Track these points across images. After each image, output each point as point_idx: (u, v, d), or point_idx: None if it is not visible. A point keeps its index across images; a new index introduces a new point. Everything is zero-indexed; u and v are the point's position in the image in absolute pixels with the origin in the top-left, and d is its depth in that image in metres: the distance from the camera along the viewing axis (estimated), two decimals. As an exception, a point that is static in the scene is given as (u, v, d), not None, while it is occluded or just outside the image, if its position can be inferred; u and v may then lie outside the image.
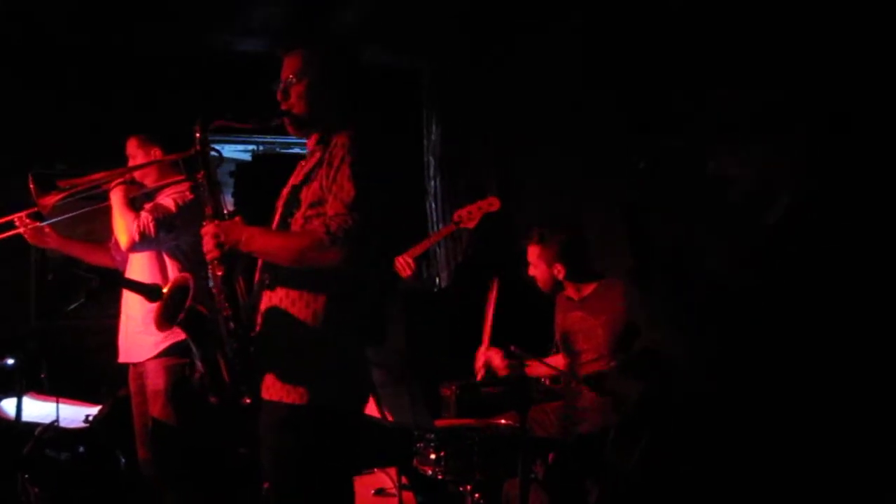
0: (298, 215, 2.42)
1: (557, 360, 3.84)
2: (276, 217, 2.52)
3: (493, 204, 3.78)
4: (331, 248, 2.25)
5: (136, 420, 3.69)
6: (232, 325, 2.36)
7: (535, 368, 3.85)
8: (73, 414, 3.62)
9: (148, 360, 3.58)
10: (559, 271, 3.67)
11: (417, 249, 3.85)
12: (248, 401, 2.37)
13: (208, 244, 2.35)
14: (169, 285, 2.52)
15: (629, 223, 3.68)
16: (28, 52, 4.94)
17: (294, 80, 2.47)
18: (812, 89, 2.79)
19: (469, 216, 3.80)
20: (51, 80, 4.97)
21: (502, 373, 3.72)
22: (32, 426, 3.38)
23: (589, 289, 3.66)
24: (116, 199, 3.57)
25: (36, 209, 3.56)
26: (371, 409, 3.19)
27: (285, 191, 2.57)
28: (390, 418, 3.29)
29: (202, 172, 2.44)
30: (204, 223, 2.40)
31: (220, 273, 2.37)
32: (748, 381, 2.62)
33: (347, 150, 2.34)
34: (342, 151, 2.34)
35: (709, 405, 2.64)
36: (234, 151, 5.69)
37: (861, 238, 2.60)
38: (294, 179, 2.53)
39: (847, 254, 2.60)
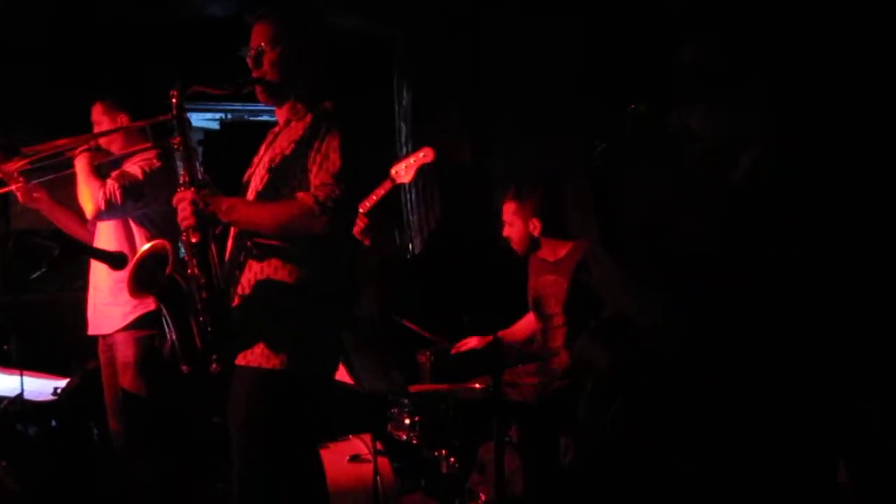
0: (275, 184, 2.42)
1: (529, 322, 3.85)
2: (252, 186, 2.50)
3: (426, 155, 3.71)
4: (320, 217, 2.28)
5: (107, 392, 3.64)
6: (205, 293, 2.36)
7: (510, 336, 3.88)
8: (41, 387, 3.56)
9: (117, 331, 3.52)
10: (535, 227, 3.65)
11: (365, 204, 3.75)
12: (217, 368, 2.37)
13: (185, 210, 2.33)
14: (142, 251, 2.49)
15: (594, 191, 3.66)
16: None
17: (267, 47, 2.46)
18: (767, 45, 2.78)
19: (405, 170, 3.74)
20: (11, 46, 4.82)
21: (478, 347, 3.75)
22: (-3, 400, 3.33)
23: (564, 250, 3.65)
24: (81, 166, 3.48)
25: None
26: (343, 375, 3.17)
27: (257, 159, 2.57)
28: (364, 384, 3.28)
29: (178, 138, 2.41)
30: (179, 190, 2.38)
31: (194, 240, 2.36)
32: (716, 344, 2.63)
33: (332, 121, 2.38)
34: (325, 123, 2.37)
35: (678, 368, 2.64)
36: (201, 120, 5.58)
37: (827, 198, 2.60)
38: (267, 149, 2.54)
39: (815, 214, 2.60)
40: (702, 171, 2.81)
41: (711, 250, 2.68)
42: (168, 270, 2.32)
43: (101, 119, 3.65)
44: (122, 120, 3.61)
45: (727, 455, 2.51)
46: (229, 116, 5.64)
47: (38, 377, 3.59)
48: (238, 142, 5.27)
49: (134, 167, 3.54)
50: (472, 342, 3.79)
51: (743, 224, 2.61)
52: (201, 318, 2.36)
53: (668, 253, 2.85)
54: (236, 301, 2.42)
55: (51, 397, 3.55)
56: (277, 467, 2.37)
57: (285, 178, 2.41)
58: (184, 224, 2.35)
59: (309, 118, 2.44)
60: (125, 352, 3.51)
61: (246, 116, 5.66)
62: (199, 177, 2.41)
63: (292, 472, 2.41)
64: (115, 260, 2.87)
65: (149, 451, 3.57)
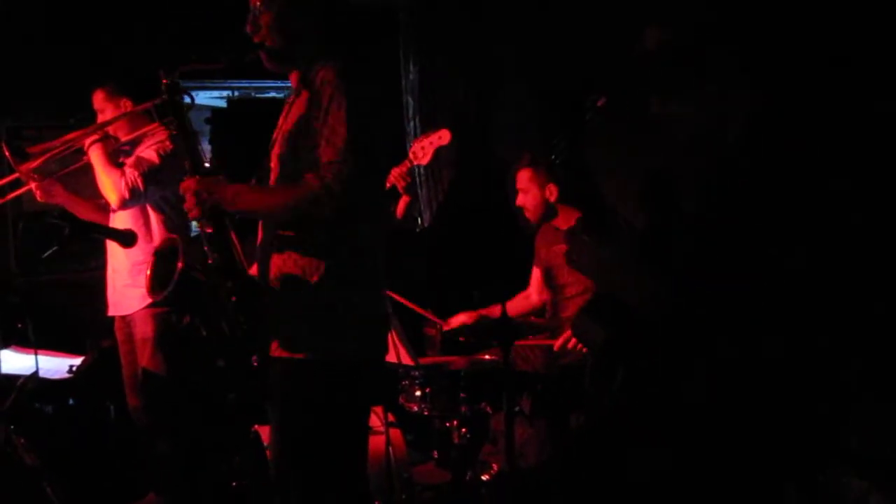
0: (292, 160, 2.29)
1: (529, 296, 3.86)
2: (273, 164, 2.36)
3: (443, 137, 3.68)
4: (328, 201, 2.15)
5: (125, 369, 3.69)
6: (230, 283, 2.25)
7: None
8: (57, 365, 3.61)
9: (136, 311, 3.57)
10: (552, 192, 3.63)
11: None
12: (257, 363, 2.28)
13: (189, 202, 2.23)
14: (155, 251, 2.43)
15: (575, 172, 3.64)
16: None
17: (261, 8, 2.31)
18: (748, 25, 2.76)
19: (423, 152, 3.73)
20: (11, 25, 4.81)
21: (469, 323, 3.75)
22: (14, 379, 3.37)
23: (574, 217, 3.64)
24: (97, 157, 3.49)
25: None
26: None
27: (276, 134, 2.42)
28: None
29: (175, 123, 2.32)
30: (185, 178, 2.27)
31: (209, 231, 2.25)
32: (707, 319, 2.62)
33: (335, 87, 2.19)
34: (329, 89, 2.19)
35: (674, 341, 2.64)
36: (208, 98, 5.58)
37: (813, 170, 2.58)
38: (283, 122, 2.38)
39: (799, 188, 2.59)
40: (693, 148, 2.79)
41: (705, 220, 2.67)
42: (179, 266, 2.22)
43: (104, 106, 3.64)
44: (126, 105, 3.59)
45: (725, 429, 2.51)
46: (236, 94, 5.64)
47: (54, 356, 3.65)
48: (246, 119, 5.27)
49: (149, 151, 3.55)
50: (461, 318, 3.78)
51: (736, 194, 2.60)
52: (231, 310, 2.24)
53: (657, 229, 2.85)
54: (268, 289, 2.30)
55: (66, 375, 3.59)
56: (320, 462, 2.27)
57: (299, 152, 2.26)
58: (191, 215, 2.25)
59: (314, 84, 2.25)
60: (143, 328, 3.56)
61: (253, 93, 5.66)
62: (203, 162, 2.30)
63: (337, 467, 2.30)
64: (124, 238, 2.89)
65: (168, 427, 3.63)
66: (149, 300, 3.46)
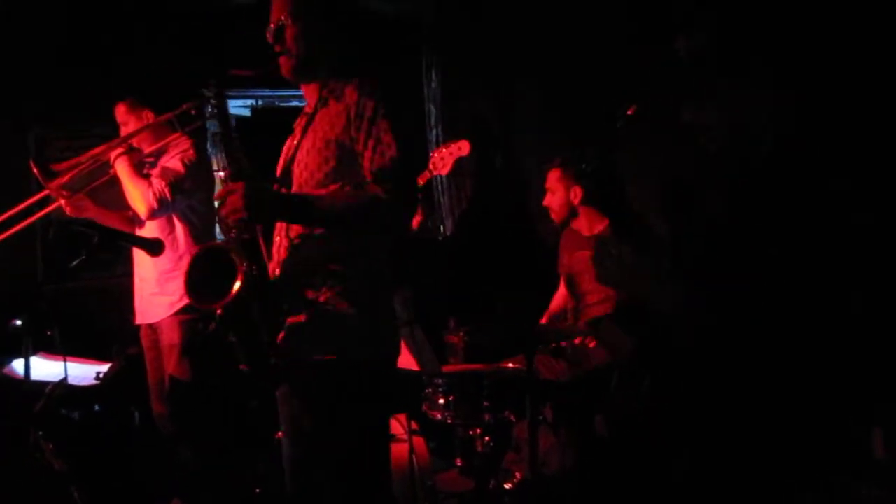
0: (322, 170, 2.28)
1: (560, 298, 3.87)
2: (295, 173, 2.35)
3: (462, 148, 3.72)
4: (393, 208, 2.19)
5: (151, 375, 3.73)
6: (263, 289, 2.24)
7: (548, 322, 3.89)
8: (84, 372, 3.65)
9: (163, 318, 3.61)
10: (576, 194, 3.67)
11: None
12: (276, 364, 2.26)
13: (236, 204, 2.14)
14: (194, 256, 2.34)
15: (604, 178, 3.66)
16: (5, 7, 4.82)
17: (288, 20, 2.31)
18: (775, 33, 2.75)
19: (443, 162, 3.75)
20: (35, 37, 4.88)
21: None
22: (42, 385, 3.41)
23: (601, 226, 3.64)
24: (123, 169, 3.54)
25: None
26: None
27: (291, 144, 2.42)
28: (399, 364, 3.31)
29: (220, 129, 2.29)
30: (225, 182, 2.25)
31: (247, 237, 2.23)
32: (734, 326, 2.61)
33: (378, 100, 2.22)
34: (373, 102, 2.22)
35: (701, 349, 2.63)
36: (232, 107, 5.63)
37: (840, 186, 2.57)
38: (304, 132, 2.36)
39: (826, 201, 2.57)
40: (724, 156, 2.79)
41: (733, 228, 2.66)
42: (239, 282, 2.15)
43: (126, 119, 3.70)
44: (148, 116, 3.66)
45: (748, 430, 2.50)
46: (260, 103, 5.68)
47: (81, 362, 3.68)
48: (270, 128, 5.28)
49: (174, 161, 3.59)
50: None
51: (765, 202, 2.59)
52: (258, 317, 2.23)
53: (686, 235, 2.84)
54: (288, 294, 2.30)
55: (93, 382, 3.63)
56: (350, 464, 2.28)
57: (332, 165, 2.27)
58: (233, 217, 2.17)
59: (352, 96, 2.25)
60: (171, 335, 3.60)
61: (276, 102, 5.70)
62: (249, 167, 2.26)
63: (366, 470, 2.31)
64: (151, 246, 2.92)
65: (193, 434, 3.65)
66: (177, 307, 3.55)
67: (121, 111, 3.71)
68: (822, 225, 2.50)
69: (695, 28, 2.94)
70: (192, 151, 3.61)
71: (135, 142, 3.69)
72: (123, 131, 3.70)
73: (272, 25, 2.35)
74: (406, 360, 3.36)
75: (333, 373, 2.26)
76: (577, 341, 3.53)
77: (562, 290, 3.93)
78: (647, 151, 3.10)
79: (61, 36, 4.90)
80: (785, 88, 2.65)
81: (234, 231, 2.23)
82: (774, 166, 2.60)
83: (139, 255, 3.65)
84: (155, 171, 3.59)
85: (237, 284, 2.17)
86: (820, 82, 2.58)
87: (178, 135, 3.68)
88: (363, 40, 2.48)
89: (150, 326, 3.69)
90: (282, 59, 2.35)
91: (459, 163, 3.88)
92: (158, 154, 3.69)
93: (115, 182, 3.60)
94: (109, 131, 3.84)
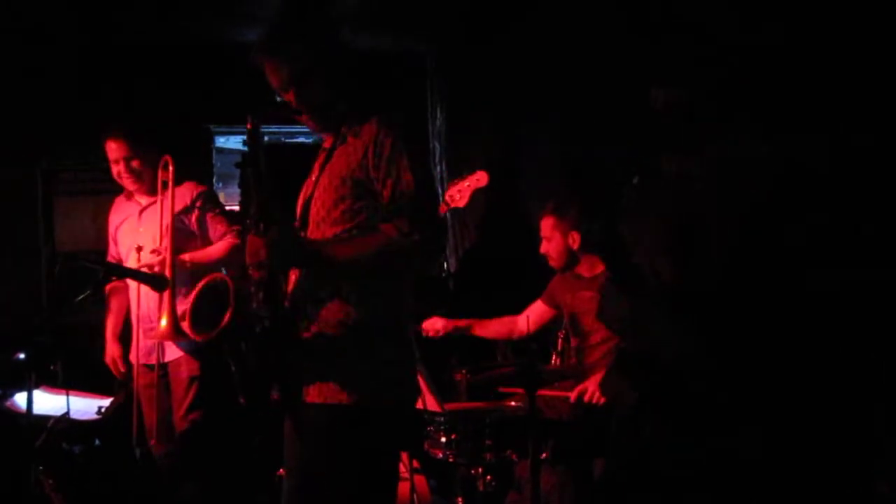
0: (339, 208, 2.28)
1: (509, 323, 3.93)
2: (313, 211, 2.34)
3: (480, 179, 3.69)
4: (414, 247, 2.18)
5: (152, 414, 3.66)
6: (268, 327, 2.23)
7: (483, 329, 3.96)
8: (86, 406, 3.63)
9: (182, 355, 3.61)
10: (574, 240, 3.64)
11: None
12: (276, 397, 2.27)
13: (260, 255, 2.17)
14: (198, 288, 2.40)
15: (601, 231, 3.67)
16: (14, 43, 4.88)
17: (289, 88, 2.31)
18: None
19: (460, 194, 3.74)
20: (40, 73, 4.93)
21: (443, 333, 3.90)
22: (44, 419, 3.41)
23: (601, 266, 3.64)
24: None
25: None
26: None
27: (311, 181, 2.41)
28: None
29: (252, 170, 2.25)
30: (252, 227, 2.21)
31: (257, 276, 2.23)
32: (738, 370, 2.61)
33: (396, 137, 2.22)
34: (390, 139, 2.22)
35: (702, 395, 2.63)
36: (238, 142, 5.69)
37: (825, 234, 2.58)
38: (322, 170, 2.36)
39: (813, 250, 2.59)
40: (714, 206, 2.80)
41: (731, 276, 2.67)
42: (230, 311, 2.21)
43: (119, 155, 3.62)
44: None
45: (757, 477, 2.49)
46: (267, 139, 5.73)
47: (83, 396, 3.68)
48: (275, 163, 5.33)
49: (206, 204, 3.65)
50: (438, 324, 3.89)
51: (761, 249, 2.60)
52: (263, 353, 2.24)
53: (686, 283, 2.85)
54: (303, 334, 2.29)
55: (95, 416, 3.62)
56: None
57: (349, 202, 2.27)
58: (252, 260, 2.20)
59: (370, 132, 2.26)
60: (190, 370, 3.59)
61: (283, 138, 5.75)
62: (273, 210, 2.22)
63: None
64: (156, 282, 2.94)
65: (200, 472, 3.62)
66: (196, 343, 3.48)
67: (117, 148, 3.62)
68: (824, 275, 2.51)
69: (674, 81, 2.98)
70: (204, 187, 3.65)
71: (134, 189, 3.69)
72: (117, 168, 3.65)
73: (280, 94, 2.35)
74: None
75: (345, 415, 2.23)
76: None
77: (521, 317, 3.92)
78: (641, 197, 3.12)
79: (70, 69, 4.98)
80: (773, 142, 2.68)
81: (250, 269, 2.24)
82: (774, 215, 2.62)
83: (144, 295, 3.58)
84: (215, 227, 3.63)
85: (225, 320, 2.20)
86: (809, 135, 2.61)
87: (192, 184, 3.71)
88: (366, 78, 2.50)
89: (152, 366, 3.64)
90: (303, 119, 2.36)
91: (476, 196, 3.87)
92: (188, 211, 3.68)
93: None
94: None
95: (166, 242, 3.41)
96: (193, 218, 3.66)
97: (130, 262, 3.59)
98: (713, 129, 2.81)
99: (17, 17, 4.65)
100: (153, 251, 3.51)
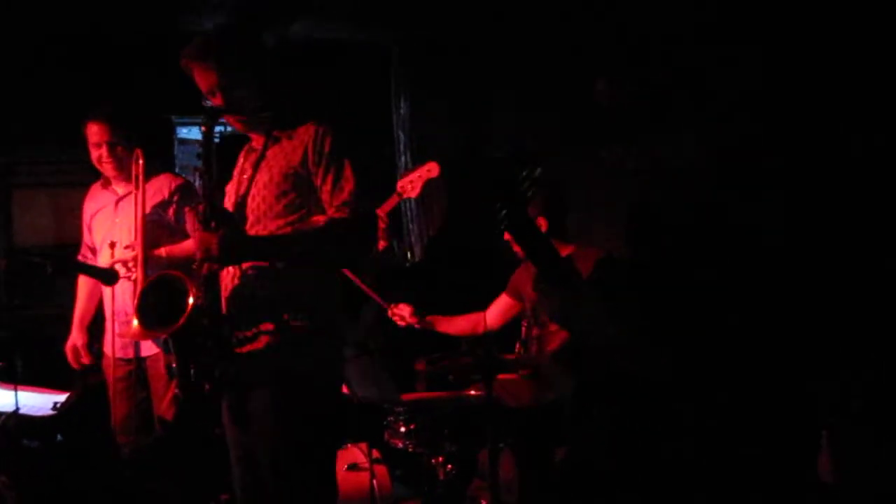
0: (280, 204, 2.42)
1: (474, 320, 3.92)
2: (250, 206, 2.47)
3: (431, 170, 3.72)
4: (355, 237, 2.38)
5: (121, 407, 3.59)
6: (207, 321, 2.35)
7: (447, 325, 3.96)
8: (41, 402, 3.58)
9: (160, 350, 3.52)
10: (541, 225, 3.63)
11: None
12: (209, 388, 2.38)
13: (212, 250, 2.31)
14: (147, 282, 2.47)
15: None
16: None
17: (216, 90, 2.43)
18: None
19: (411, 185, 3.75)
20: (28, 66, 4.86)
21: (408, 322, 3.91)
22: (-7, 416, 3.36)
23: (565, 252, 3.63)
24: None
25: None
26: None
27: (240, 176, 2.56)
28: (357, 393, 3.30)
29: (205, 168, 2.40)
30: (199, 226, 2.34)
31: (205, 271, 2.36)
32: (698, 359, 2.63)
33: (335, 136, 2.41)
34: (330, 138, 2.40)
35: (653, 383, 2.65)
36: (200, 133, 5.62)
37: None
38: (256, 166, 2.49)
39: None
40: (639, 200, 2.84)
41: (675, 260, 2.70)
42: (189, 308, 2.28)
43: (101, 139, 3.54)
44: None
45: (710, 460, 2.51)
46: (229, 129, 5.66)
47: (37, 392, 3.62)
48: (237, 153, 5.29)
49: (189, 198, 3.53)
50: (405, 311, 3.90)
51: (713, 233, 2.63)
52: (204, 344, 2.35)
53: (647, 265, 2.86)
54: (239, 323, 2.43)
55: (50, 412, 3.57)
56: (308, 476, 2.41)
57: (291, 197, 2.42)
58: (204, 258, 2.34)
59: (308, 132, 2.43)
60: (169, 360, 3.49)
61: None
62: (222, 210, 2.38)
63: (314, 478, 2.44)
64: (106, 276, 2.90)
65: (165, 466, 3.58)
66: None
67: (100, 131, 3.54)
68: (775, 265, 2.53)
69: (617, 74, 3.00)
70: (182, 179, 3.59)
71: (112, 178, 3.60)
72: (98, 152, 3.56)
73: (207, 97, 2.46)
74: (366, 388, 3.35)
75: (282, 393, 2.37)
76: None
77: (488, 312, 3.91)
78: (588, 181, 3.14)
79: (28, 61, 4.90)
80: (707, 136, 2.72)
81: (196, 264, 2.37)
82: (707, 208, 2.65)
83: (119, 291, 3.49)
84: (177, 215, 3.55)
85: (185, 315, 2.27)
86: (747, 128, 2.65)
87: (170, 176, 3.65)
88: (331, 72, 2.60)
89: (133, 360, 3.56)
90: (229, 119, 2.49)
91: (428, 187, 3.87)
92: (166, 205, 3.61)
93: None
94: (82, 157, 3.74)
95: (138, 239, 3.36)
96: (171, 211, 3.60)
97: (104, 257, 3.52)
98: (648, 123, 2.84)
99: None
100: (127, 247, 3.44)
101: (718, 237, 2.56)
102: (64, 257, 3.47)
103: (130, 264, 3.35)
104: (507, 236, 3.72)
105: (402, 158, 5.36)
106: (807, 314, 2.46)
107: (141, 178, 3.44)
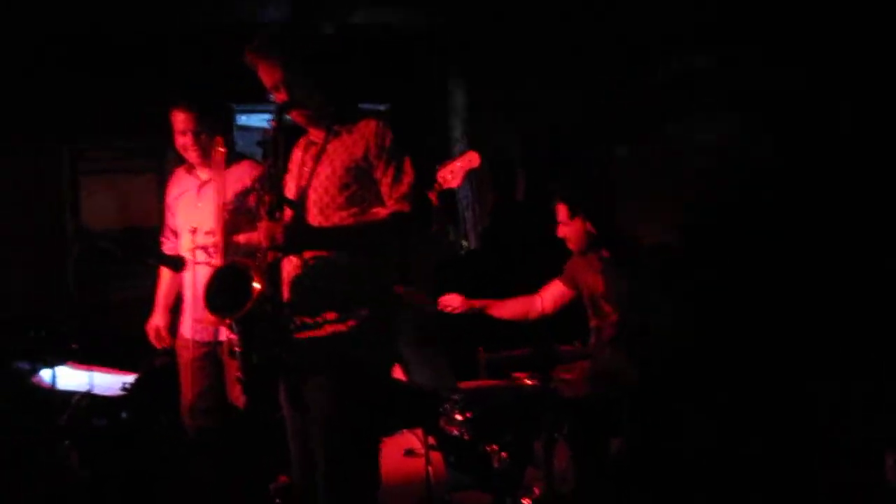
0: (343, 197, 2.53)
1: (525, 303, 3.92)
2: (311, 199, 2.57)
3: (472, 160, 3.69)
4: (401, 231, 2.52)
5: (190, 388, 3.62)
6: (270, 307, 2.44)
7: (499, 309, 3.95)
8: (110, 382, 3.70)
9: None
10: (590, 230, 3.64)
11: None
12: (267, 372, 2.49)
13: (277, 238, 2.42)
14: (215, 271, 2.59)
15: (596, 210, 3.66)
16: (49, 31, 4.93)
17: (280, 86, 2.53)
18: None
19: (452, 175, 3.75)
20: (66, 54, 4.96)
21: (460, 310, 3.91)
22: (69, 395, 3.48)
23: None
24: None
25: None
26: (397, 371, 3.24)
27: (298, 168, 2.65)
28: (416, 380, 3.35)
29: (275, 159, 2.51)
30: (265, 216, 2.45)
31: (270, 259, 2.45)
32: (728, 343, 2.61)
33: (385, 136, 2.53)
34: (390, 133, 2.54)
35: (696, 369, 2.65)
36: (260, 121, 5.70)
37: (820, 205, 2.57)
38: (317, 159, 2.59)
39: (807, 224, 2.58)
40: (707, 175, 2.81)
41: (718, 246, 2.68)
42: (255, 294, 2.37)
43: (187, 127, 3.54)
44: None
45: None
46: (288, 118, 5.73)
47: (109, 373, 3.74)
48: (296, 142, 5.35)
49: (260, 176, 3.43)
50: (455, 301, 3.90)
51: (751, 217, 2.61)
52: (266, 330, 2.44)
53: (677, 257, 2.85)
54: (299, 311, 2.54)
55: (120, 392, 3.69)
56: (358, 453, 2.55)
57: (353, 189, 2.53)
58: (268, 243, 2.42)
59: (369, 126, 2.54)
60: None
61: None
62: (287, 201, 2.50)
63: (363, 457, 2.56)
64: (174, 263, 2.98)
65: (228, 449, 3.65)
66: None
67: (186, 119, 3.53)
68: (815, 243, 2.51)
69: (688, 50, 2.98)
70: (262, 167, 3.61)
71: (194, 159, 3.59)
72: (183, 140, 3.56)
73: (271, 92, 2.57)
74: (424, 375, 3.39)
75: (340, 379, 2.50)
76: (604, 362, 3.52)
77: (538, 297, 3.91)
78: (643, 169, 3.13)
79: (96, 50, 5.02)
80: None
81: (261, 253, 2.45)
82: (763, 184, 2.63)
83: (201, 274, 3.47)
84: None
85: (251, 300, 2.36)
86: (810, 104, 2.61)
87: (251, 163, 3.63)
88: (383, 58, 2.66)
89: (208, 342, 3.59)
90: (292, 114, 2.57)
91: (480, 174, 3.87)
92: (247, 192, 3.59)
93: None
94: (144, 145, 3.84)
95: (218, 226, 3.41)
96: (252, 199, 3.63)
97: (185, 241, 3.56)
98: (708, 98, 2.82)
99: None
100: (208, 233, 3.47)
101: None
102: (132, 243, 3.56)
103: (211, 250, 3.40)
104: (561, 232, 3.74)
105: (458, 146, 5.38)
106: (807, 314, 2.43)
107: (222, 165, 3.48)
